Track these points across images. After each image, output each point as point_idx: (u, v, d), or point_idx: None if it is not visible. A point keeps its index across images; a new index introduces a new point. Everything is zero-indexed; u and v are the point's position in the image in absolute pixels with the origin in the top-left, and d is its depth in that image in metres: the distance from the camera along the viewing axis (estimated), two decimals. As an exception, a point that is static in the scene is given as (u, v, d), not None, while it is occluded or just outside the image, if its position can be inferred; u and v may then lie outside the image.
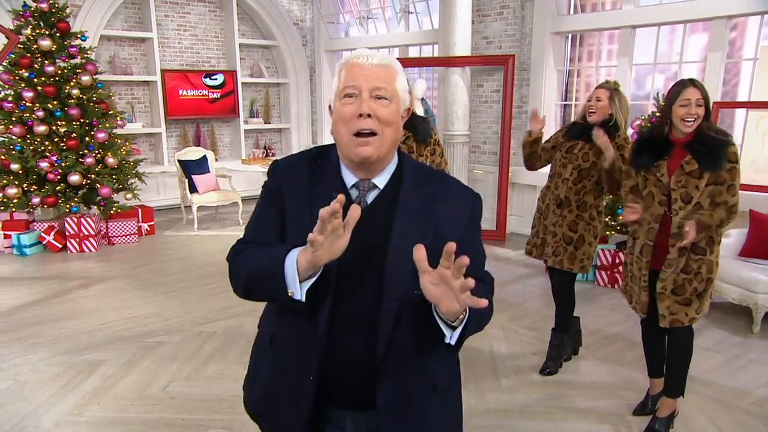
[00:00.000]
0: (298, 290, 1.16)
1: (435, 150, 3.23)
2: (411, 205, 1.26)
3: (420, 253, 1.07)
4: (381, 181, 1.29)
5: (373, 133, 1.21)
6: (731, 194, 2.47)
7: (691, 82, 2.47)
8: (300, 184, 1.29)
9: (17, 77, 5.66)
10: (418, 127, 3.13)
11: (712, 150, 2.44)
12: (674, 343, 2.74)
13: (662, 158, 2.56)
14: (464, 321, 1.15)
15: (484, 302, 1.05)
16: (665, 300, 2.61)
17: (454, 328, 1.16)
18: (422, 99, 6.84)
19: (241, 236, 1.37)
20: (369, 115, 1.20)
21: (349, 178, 1.28)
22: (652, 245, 2.64)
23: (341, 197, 1.06)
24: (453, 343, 1.17)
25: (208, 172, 7.06)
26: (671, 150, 2.55)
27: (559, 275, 3.33)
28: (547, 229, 3.32)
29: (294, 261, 1.15)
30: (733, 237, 4.43)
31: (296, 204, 1.27)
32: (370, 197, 1.28)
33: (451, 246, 1.04)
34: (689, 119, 2.44)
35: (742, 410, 3.01)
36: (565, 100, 6.64)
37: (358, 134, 1.21)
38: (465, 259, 1.03)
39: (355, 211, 1.09)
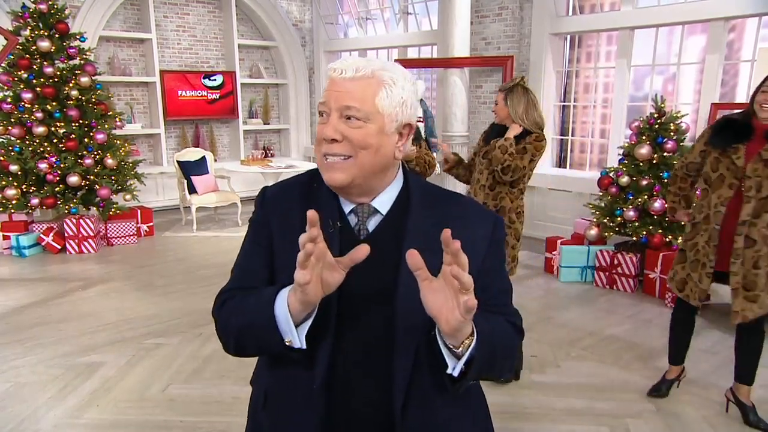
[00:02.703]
0: (295, 336, 0.99)
1: (422, 144, 3.44)
2: (421, 232, 1.06)
3: (415, 259, 0.90)
4: (382, 205, 1.11)
5: (345, 156, 1.05)
6: None
7: None
8: (291, 215, 1.10)
9: (16, 78, 5.66)
10: None
11: None
12: (746, 336, 2.83)
13: (741, 142, 2.58)
14: (470, 347, 0.95)
15: (472, 302, 0.88)
16: (739, 296, 2.67)
17: (459, 358, 0.97)
18: (421, 100, 6.85)
19: (227, 283, 1.20)
20: (335, 140, 1.04)
21: (347, 204, 1.12)
22: (719, 229, 2.67)
23: (312, 213, 0.90)
24: (456, 374, 0.97)
25: (207, 173, 7.07)
26: (752, 135, 2.57)
27: None
28: None
29: (284, 303, 0.98)
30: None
31: (288, 238, 1.04)
32: (372, 224, 1.11)
33: (447, 232, 0.86)
34: (765, 106, 2.51)
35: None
36: (564, 101, 6.65)
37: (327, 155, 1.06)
38: (457, 243, 0.86)
39: (361, 252, 0.93)
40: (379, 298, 1.06)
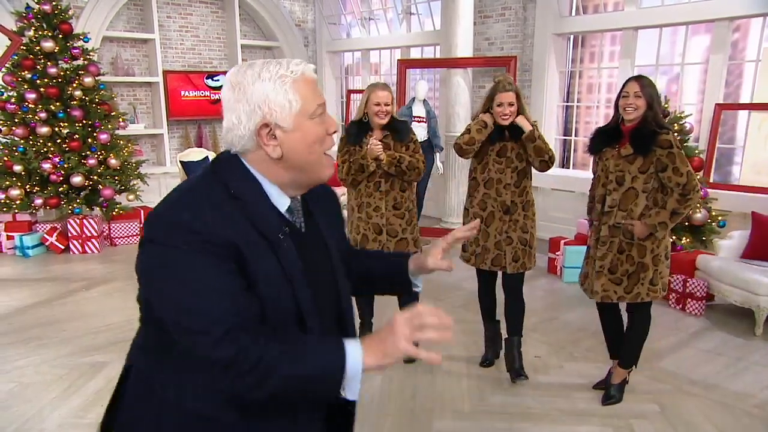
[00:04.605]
0: (353, 391, 0.99)
1: (409, 146, 3.36)
2: (321, 215, 1.24)
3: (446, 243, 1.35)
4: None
5: None
6: (678, 175, 2.70)
7: (634, 78, 2.80)
8: (246, 232, 1.03)
9: (20, 79, 5.67)
10: (398, 127, 3.35)
11: (644, 136, 2.74)
12: (631, 319, 3.05)
13: (612, 146, 2.87)
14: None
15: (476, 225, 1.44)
16: (601, 278, 2.92)
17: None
18: (424, 100, 6.85)
19: (209, 316, 0.99)
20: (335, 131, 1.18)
21: (281, 202, 1.12)
22: (596, 225, 2.98)
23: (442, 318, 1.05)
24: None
25: (210, 173, 7.06)
26: (621, 139, 2.85)
27: (516, 278, 3.25)
28: (489, 236, 3.19)
29: (358, 361, 0.97)
30: (735, 239, 4.43)
31: (260, 257, 1.01)
32: (301, 218, 1.20)
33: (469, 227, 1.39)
34: (627, 108, 2.76)
35: (745, 413, 3.01)
36: (567, 102, 6.64)
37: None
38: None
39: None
40: (328, 278, 1.21)
